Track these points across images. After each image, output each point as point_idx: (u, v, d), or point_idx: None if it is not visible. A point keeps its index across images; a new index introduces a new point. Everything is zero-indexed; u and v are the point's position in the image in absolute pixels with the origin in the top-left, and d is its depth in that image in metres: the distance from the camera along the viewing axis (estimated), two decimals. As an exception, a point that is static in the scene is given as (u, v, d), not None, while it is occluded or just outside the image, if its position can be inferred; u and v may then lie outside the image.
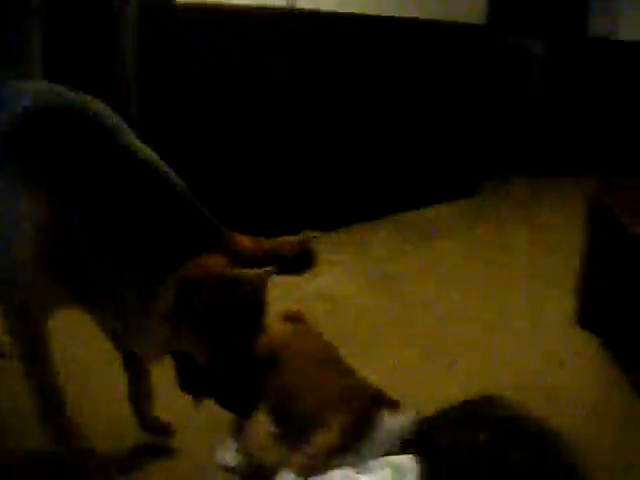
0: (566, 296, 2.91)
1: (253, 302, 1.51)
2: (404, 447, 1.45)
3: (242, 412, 1.65)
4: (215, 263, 1.42)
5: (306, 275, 3.16)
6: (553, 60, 5.03)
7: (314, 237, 1.64)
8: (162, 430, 1.93)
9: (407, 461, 1.31)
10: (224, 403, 1.61)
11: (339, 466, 1.50)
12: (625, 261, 2.43)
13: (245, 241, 1.52)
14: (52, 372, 1.68)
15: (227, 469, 1.87)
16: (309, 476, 1.53)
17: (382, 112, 3.91)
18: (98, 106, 1.59)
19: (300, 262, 2.74)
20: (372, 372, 2.40)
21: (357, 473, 1.32)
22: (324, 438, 1.62)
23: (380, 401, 1.69)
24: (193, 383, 1.62)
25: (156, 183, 1.49)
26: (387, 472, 1.28)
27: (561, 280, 3.12)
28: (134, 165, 1.50)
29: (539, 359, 2.57)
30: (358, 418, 1.64)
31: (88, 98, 1.60)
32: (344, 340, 2.61)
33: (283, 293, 2.97)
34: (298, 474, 1.58)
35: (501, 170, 4.94)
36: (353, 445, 1.59)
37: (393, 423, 1.63)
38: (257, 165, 3.39)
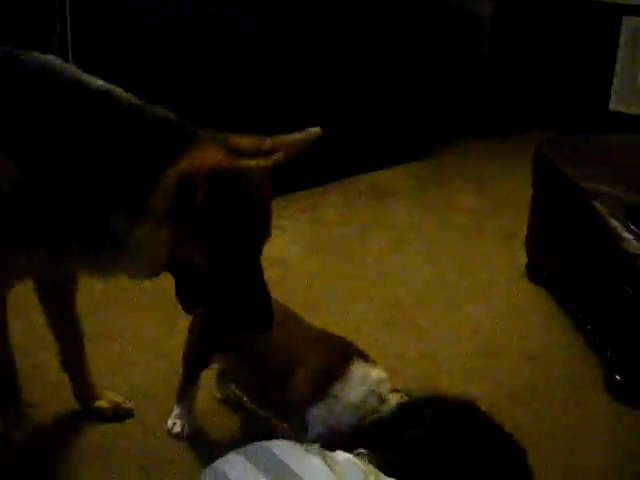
0: (518, 251, 2.93)
1: (256, 197, 1.40)
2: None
3: (258, 326, 1.51)
4: (213, 154, 1.32)
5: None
6: (501, 21, 5.01)
7: (318, 135, 1.52)
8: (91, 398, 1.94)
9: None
10: (233, 317, 1.50)
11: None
12: (567, 211, 2.46)
13: (244, 139, 1.43)
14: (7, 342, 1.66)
15: (175, 435, 1.87)
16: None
17: (330, 76, 3.86)
18: (32, 53, 1.48)
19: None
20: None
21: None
22: (301, 378, 1.64)
23: (351, 351, 1.69)
24: (194, 298, 1.52)
25: (113, 104, 1.40)
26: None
27: (513, 235, 3.14)
28: (89, 95, 1.40)
29: (490, 313, 2.60)
30: (332, 361, 1.64)
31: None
32: (296, 303, 2.61)
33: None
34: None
35: (451, 132, 4.94)
36: (328, 388, 1.59)
37: (366, 373, 1.62)
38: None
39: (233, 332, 1.67)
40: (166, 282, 2.69)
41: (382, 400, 1.56)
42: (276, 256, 3.00)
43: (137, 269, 1.46)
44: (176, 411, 1.90)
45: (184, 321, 2.46)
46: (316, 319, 2.49)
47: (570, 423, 2.04)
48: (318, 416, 1.59)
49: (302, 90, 3.74)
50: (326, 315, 2.55)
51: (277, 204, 3.52)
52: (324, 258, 3.04)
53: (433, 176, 4.13)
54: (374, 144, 4.23)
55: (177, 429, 1.88)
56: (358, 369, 1.61)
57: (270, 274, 2.77)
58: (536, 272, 2.83)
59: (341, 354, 1.67)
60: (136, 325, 2.45)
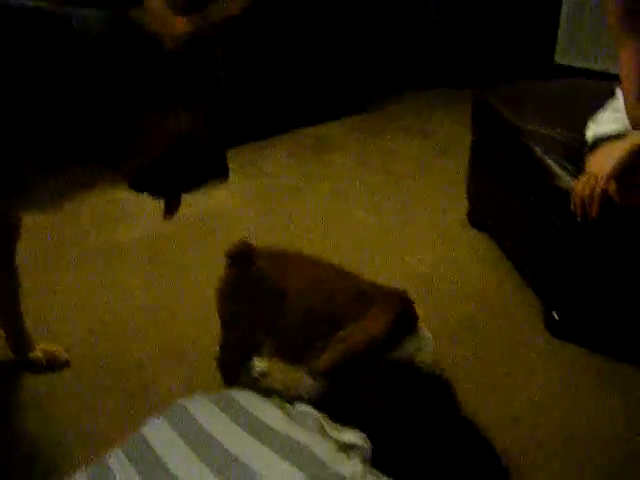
0: (460, 197, 2.95)
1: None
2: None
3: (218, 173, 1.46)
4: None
5: (195, 195, 3.10)
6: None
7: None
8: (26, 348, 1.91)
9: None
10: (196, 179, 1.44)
11: None
12: (505, 154, 2.47)
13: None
14: None
15: None
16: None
17: (269, 29, 3.80)
18: None
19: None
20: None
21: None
22: (365, 329, 1.53)
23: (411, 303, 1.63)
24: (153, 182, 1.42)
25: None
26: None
27: (454, 182, 3.16)
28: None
29: (431, 257, 2.61)
30: (401, 312, 1.57)
31: None
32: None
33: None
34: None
35: (396, 85, 4.93)
36: (394, 342, 1.53)
37: (426, 333, 1.59)
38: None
39: None
40: (102, 238, 2.68)
41: None
42: (218, 208, 2.98)
43: None
44: None
45: (120, 275, 2.44)
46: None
47: (509, 360, 2.06)
48: None
49: (248, 43, 3.68)
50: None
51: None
52: (266, 209, 3.02)
53: (376, 128, 4.12)
54: (319, 98, 4.20)
55: None
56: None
57: (212, 226, 2.79)
58: (477, 217, 2.84)
59: (407, 301, 1.62)
60: (74, 280, 2.42)
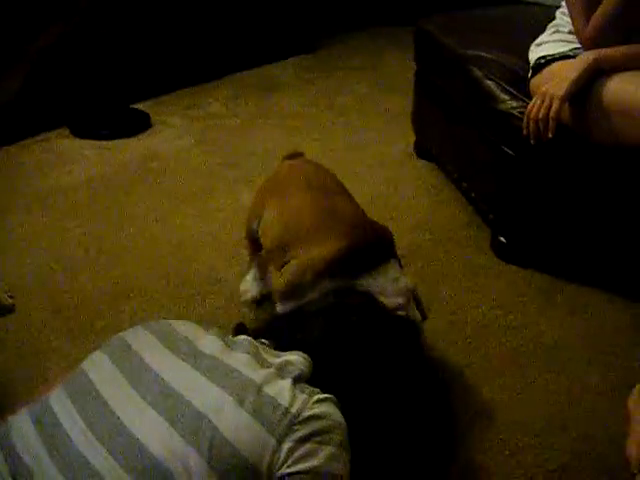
0: (407, 130, 2.95)
1: None
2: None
3: None
4: None
5: (139, 137, 3.06)
6: None
7: None
8: None
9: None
10: None
11: None
12: (447, 81, 2.46)
13: None
14: None
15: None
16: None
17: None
18: None
19: (133, 125, 2.60)
20: (217, 218, 2.40)
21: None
22: (309, 254, 1.52)
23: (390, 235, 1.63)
24: None
25: None
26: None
27: (401, 115, 3.16)
28: None
29: (379, 187, 2.62)
30: (355, 244, 1.53)
31: None
32: (183, 193, 2.58)
33: (111, 155, 2.88)
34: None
35: (341, 25, 4.88)
36: (346, 272, 1.49)
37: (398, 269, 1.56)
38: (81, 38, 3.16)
39: None
40: (48, 183, 2.63)
41: None
42: (164, 150, 2.94)
43: None
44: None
45: (65, 218, 2.41)
46: (202, 206, 2.48)
47: (457, 283, 2.08)
48: None
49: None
50: (212, 202, 2.53)
51: (165, 100, 3.49)
52: (212, 149, 2.98)
53: (323, 67, 4.08)
54: (265, 39, 4.13)
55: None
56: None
57: (158, 167, 2.75)
58: (424, 148, 2.85)
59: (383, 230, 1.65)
60: (23, 223, 2.38)
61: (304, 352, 1.21)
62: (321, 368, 1.20)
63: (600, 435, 1.55)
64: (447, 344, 1.82)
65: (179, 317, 1.85)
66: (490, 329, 1.89)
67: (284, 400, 1.06)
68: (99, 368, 1.15)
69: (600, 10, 1.85)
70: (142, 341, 1.19)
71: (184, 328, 1.23)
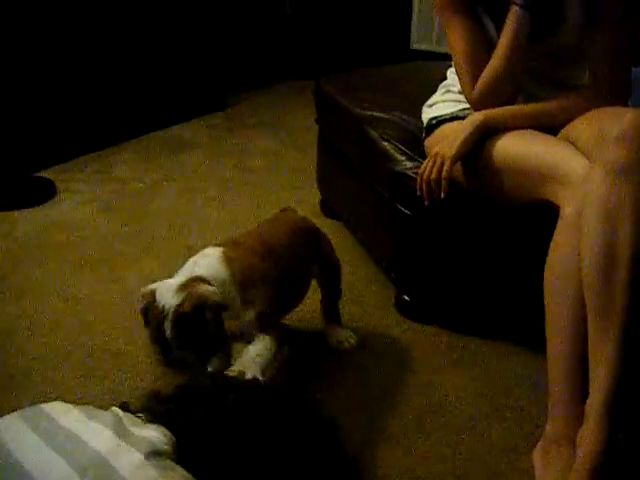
0: (312, 188, 2.97)
1: None
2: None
3: None
4: None
5: (44, 206, 2.99)
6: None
7: None
8: None
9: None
10: None
11: None
12: (346, 141, 2.49)
13: None
14: None
15: None
16: None
17: (118, 31, 3.68)
18: None
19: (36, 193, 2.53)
20: (121, 288, 2.34)
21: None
22: None
23: None
24: None
25: None
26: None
27: (306, 173, 3.17)
28: None
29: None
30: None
31: None
32: (90, 261, 2.52)
33: (16, 226, 2.80)
34: None
35: (250, 80, 4.93)
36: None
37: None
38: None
39: None
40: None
41: None
42: (69, 219, 2.88)
43: None
44: None
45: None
46: (111, 275, 2.42)
47: (361, 343, 2.08)
48: None
49: (98, 46, 3.57)
50: (117, 270, 2.48)
51: (70, 167, 3.43)
52: (117, 216, 2.93)
53: (231, 126, 4.10)
54: (172, 99, 4.13)
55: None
56: None
57: (63, 237, 2.68)
58: (328, 206, 2.86)
59: None
60: None
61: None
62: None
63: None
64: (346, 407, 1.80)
65: (82, 395, 1.81)
66: (398, 389, 1.88)
67: None
68: None
69: (486, 72, 1.89)
70: (13, 429, 1.14)
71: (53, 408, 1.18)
